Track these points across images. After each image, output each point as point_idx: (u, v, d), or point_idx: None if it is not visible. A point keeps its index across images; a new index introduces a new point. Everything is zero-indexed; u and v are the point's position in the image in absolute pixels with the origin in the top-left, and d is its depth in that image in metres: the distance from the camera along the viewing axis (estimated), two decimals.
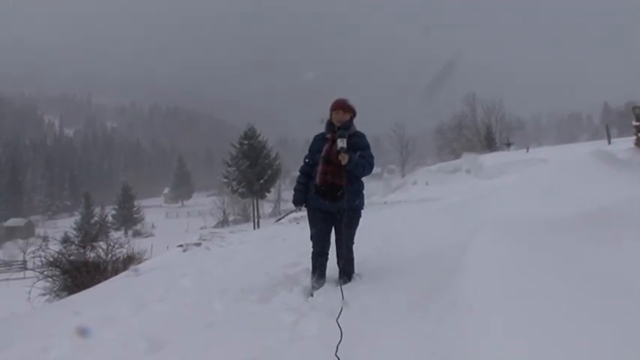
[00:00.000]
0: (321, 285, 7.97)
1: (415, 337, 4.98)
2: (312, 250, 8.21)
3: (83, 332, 6.43)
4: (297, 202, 8.31)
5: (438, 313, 5.25)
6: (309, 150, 8.31)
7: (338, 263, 8.04)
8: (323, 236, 8.12)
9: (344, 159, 7.56)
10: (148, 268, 12.54)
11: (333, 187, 7.83)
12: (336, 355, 4.99)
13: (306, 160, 8.29)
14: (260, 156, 58.34)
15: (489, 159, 43.23)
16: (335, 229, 8.09)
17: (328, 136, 8.03)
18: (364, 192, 8.35)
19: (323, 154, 7.91)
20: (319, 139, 8.18)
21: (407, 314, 5.75)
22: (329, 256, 8.24)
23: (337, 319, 5.71)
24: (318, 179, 7.93)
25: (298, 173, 8.36)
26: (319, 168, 7.93)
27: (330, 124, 8.12)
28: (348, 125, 8.00)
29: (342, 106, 8.08)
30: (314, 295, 7.66)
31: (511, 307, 4.44)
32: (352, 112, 8.19)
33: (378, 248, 10.58)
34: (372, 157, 8.06)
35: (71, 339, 6.28)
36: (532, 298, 4.44)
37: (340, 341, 5.15)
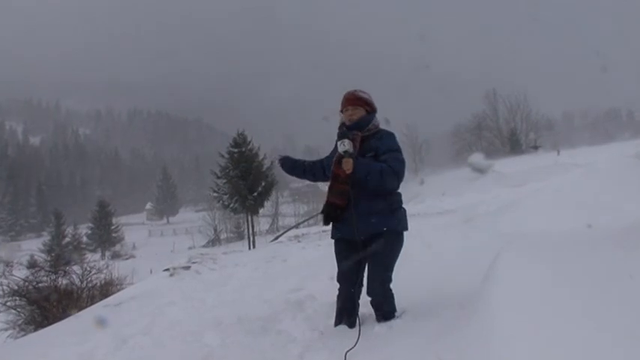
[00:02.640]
0: (351, 326, 6.90)
1: None
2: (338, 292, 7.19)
3: None
4: (284, 158, 7.65)
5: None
6: (331, 153, 7.27)
7: (371, 303, 7.11)
8: (347, 275, 7.02)
9: (348, 165, 6.51)
10: (129, 297, 12.47)
11: (333, 208, 6.91)
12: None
13: (323, 159, 7.50)
14: (252, 166, 58.23)
15: (513, 164, 43.31)
16: (366, 261, 6.99)
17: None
18: (402, 206, 7.16)
19: (333, 167, 6.90)
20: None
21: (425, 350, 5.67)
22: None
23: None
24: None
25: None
26: (329, 184, 6.97)
27: (341, 128, 7.06)
28: (361, 124, 6.93)
29: (350, 101, 7.01)
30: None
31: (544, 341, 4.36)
32: (366, 106, 7.04)
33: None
34: (398, 160, 6.79)
35: None
36: (564, 332, 4.35)
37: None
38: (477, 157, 50.77)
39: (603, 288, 4.90)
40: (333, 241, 7.30)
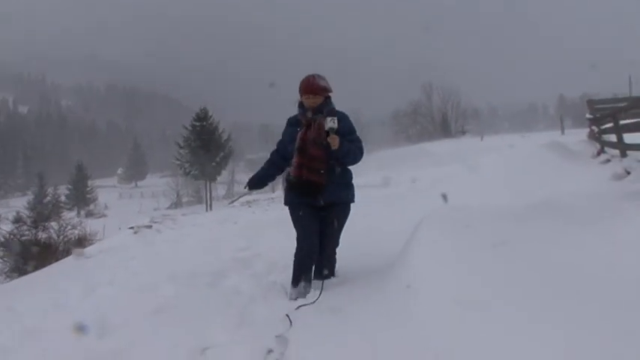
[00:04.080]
0: (307, 293, 6.65)
1: (363, 328, 5.00)
2: (295, 252, 6.93)
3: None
4: (250, 182, 7.41)
5: (388, 309, 5.22)
6: (282, 136, 7.28)
7: (317, 264, 6.98)
8: (310, 234, 6.87)
9: (334, 142, 6.51)
10: (97, 251, 12.44)
11: (309, 184, 6.72)
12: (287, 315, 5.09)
13: (278, 147, 7.35)
14: (212, 138, 58.03)
15: (443, 146, 43.47)
16: (321, 227, 7.00)
17: (302, 120, 6.92)
18: (353, 182, 7.19)
19: (297, 144, 6.79)
20: (293, 125, 7.11)
21: (353, 308, 5.72)
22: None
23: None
24: (292, 172, 6.82)
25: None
26: (294, 160, 6.79)
27: (301, 107, 6.99)
28: (322, 108, 6.84)
29: (312, 90, 6.87)
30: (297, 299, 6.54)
31: (455, 300, 4.46)
32: (325, 92, 6.97)
33: None
34: (360, 141, 6.96)
35: (17, 325, 6.24)
36: (477, 295, 4.46)
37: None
38: None
39: (502, 253, 5.05)
40: (282, 206, 7.25)
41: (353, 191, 7.16)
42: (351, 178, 7.14)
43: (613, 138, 16.46)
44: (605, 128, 18.07)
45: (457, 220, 6.44)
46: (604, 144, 17.92)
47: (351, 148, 6.69)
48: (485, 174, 18.18)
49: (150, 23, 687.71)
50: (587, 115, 21.57)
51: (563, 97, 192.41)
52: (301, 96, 6.96)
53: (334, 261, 7.31)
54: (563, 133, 36.17)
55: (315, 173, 6.68)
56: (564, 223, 5.68)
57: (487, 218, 6.45)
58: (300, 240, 6.90)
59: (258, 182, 7.42)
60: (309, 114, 6.85)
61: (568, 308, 4.01)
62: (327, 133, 6.53)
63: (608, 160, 16.27)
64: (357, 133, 7.00)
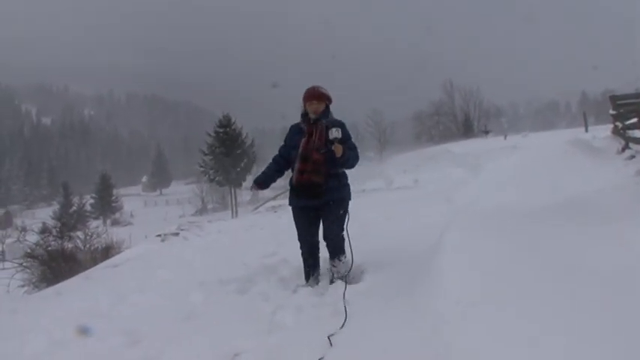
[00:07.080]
0: (317, 283, 7.59)
1: (394, 330, 4.98)
2: (300, 251, 7.83)
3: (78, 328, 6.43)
4: (256, 181, 7.99)
5: (417, 313, 5.19)
6: (285, 141, 7.84)
7: (328, 245, 7.66)
8: (308, 234, 7.69)
9: (338, 150, 7.03)
10: (125, 259, 12.49)
11: (311, 185, 7.32)
12: (328, 338, 5.09)
13: (281, 151, 7.91)
14: (235, 144, 58.06)
15: (466, 146, 43.31)
16: (322, 223, 7.68)
17: (305, 128, 7.47)
18: (348, 182, 7.83)
19: (300, 150, 7.33)
20: (295, 133, 7.62)
21: (384, 310, 5.71)
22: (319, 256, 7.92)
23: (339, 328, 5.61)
24: (294, 179, 7.46)
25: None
26: (296, 166, 7.38)
27: (305, 116, 7.58)
28: (325, 115, 7.49)
29: (315, 96, 7.50)
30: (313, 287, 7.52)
31: (486, 301, 4.45)
32: (327, 100, 7.64)
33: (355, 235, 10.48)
34: (356, 148, 7.54)
35: (48, 334, 6.28)
36: (507, 295, 4.44)
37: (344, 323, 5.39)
38: None
39: (531, 253, 5.04)
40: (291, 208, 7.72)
41: (348, 190, 7.81)
42: (346, 179, 7.81)
43: (638, 134, 16.37)
44: (630, 124, 17.93)
45: (486, 224, 6.45)
46: (629, 140, 17.79)
47: (351, 155, 7.30)
48: (512, 173, 18.15)
49: (169, 31, 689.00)
50: (611, 111, 21.43)
51: (586, 93, 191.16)
52: (305, 103, 7.60)
53: (341, 242, 7.63)
54: (587, 130, 35.85)
55: (317, 174, 7.27)
56: (585, 222, 5.69)
57: (512, 219, 6.45)
58: (300, 241, 7.83)
59: (263, 182, 7.94)
60: (312, 117, 7.50)
61: (586, 311, 4.00)
62: (332, 141, 7.07)
63: (633, 156, 16.19)
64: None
